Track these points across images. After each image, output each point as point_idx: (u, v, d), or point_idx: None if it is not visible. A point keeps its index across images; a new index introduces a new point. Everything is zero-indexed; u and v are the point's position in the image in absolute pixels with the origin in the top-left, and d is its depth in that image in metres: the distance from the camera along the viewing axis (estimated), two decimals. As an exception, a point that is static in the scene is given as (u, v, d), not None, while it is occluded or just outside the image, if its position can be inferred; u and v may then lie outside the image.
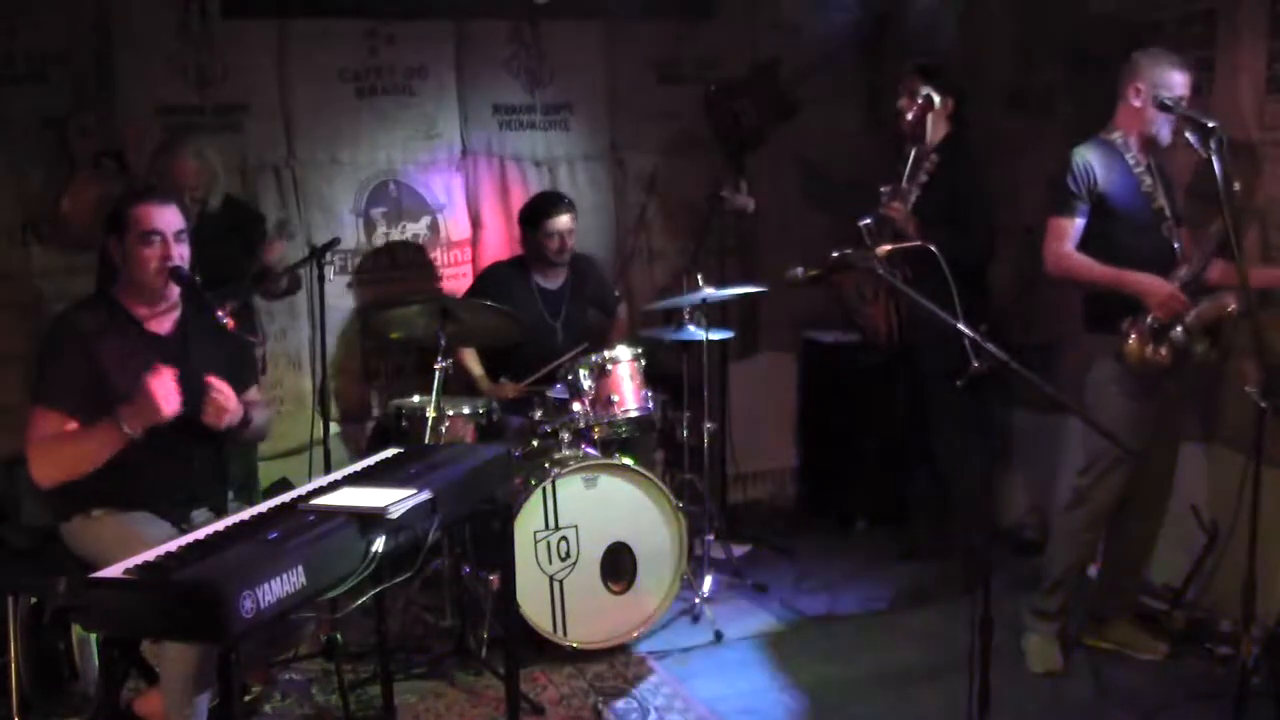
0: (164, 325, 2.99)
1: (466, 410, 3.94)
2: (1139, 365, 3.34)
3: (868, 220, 4.07)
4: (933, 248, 2.86)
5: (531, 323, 4.25)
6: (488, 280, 4.50)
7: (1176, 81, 3.33)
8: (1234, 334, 3.38)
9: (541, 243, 4.40)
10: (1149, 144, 3.44)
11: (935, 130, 4.10)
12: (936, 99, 4.02)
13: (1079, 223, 3.43)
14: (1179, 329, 3.29)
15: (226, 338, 2.97)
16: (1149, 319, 3.32)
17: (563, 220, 4.37)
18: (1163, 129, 3.37)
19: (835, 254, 2.87)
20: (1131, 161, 3.43)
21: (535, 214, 4.42)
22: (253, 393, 3.17)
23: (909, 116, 4.02)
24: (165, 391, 2.72)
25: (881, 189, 4.12)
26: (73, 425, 2.81)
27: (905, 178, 4.07)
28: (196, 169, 4.02)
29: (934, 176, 4.08)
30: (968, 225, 3.97)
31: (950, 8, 4.93)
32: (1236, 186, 3.33)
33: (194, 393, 2.82)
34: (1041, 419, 4.55)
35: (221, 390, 2.84)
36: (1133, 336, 3.33)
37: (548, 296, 4.50)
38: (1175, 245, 3.43)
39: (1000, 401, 4.64)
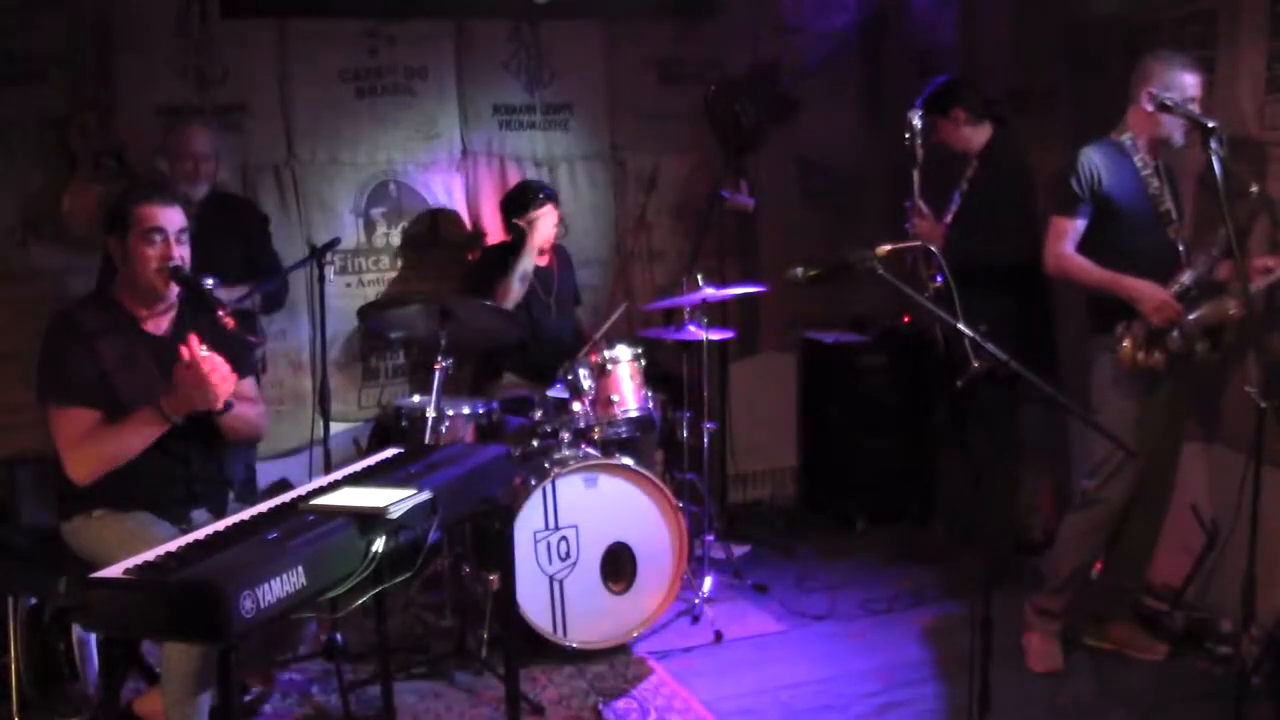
0: (160, 325, 2.99)
1: (466, 410, 3.95)
2: (1133, 369, 3.35)
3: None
4: (931, 247, 2.87)
5: (528, 302, 4.35)
6: (486, 258, 4.54)
7: (1188, 83, 3.32)
8: (1235, 337, 3.38)
9: (523, 230, 4.40)
10: (1160, 146, 3.44)
11: (967, 141, 4.13)
12: (917, 122, 4.05)
13: (1080, 224, 3.44)
14: (1175, 334, 3.30)
15: (225, 338, 2.97)
16: (1144, 324, 3.32)
17: (542, 212, 4.39)
18: (1175, 131, 3.36)
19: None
20: (1139, 164, 3.42)
21: (516, 206, 4.44)
22: (248, 389, 3.15)
23: (923, 145, 4.07)
24: (220, 376, 2.74)
25: (906, 203, 4.15)
26: (96, 416, 2.82)
27: (917, 193, 4.11)
28: (209, 136, 4.05)
29: (973, 183, 4.12)
30: (996, 228, 3.97)
31: (950, 8, 4.93)
32: (1254, 189, 3.33)
33: None
34: (1044, 416, 4.54)
35: (215, 362, 2.79)
36: (1126, 341, 3.35)
37: (540, 274, 4.52)
38: (1180, 248, 3.42)
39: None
